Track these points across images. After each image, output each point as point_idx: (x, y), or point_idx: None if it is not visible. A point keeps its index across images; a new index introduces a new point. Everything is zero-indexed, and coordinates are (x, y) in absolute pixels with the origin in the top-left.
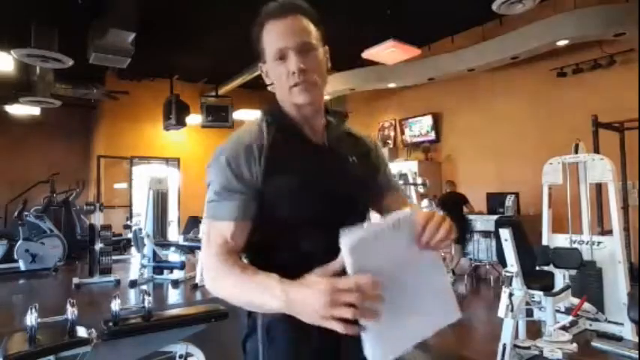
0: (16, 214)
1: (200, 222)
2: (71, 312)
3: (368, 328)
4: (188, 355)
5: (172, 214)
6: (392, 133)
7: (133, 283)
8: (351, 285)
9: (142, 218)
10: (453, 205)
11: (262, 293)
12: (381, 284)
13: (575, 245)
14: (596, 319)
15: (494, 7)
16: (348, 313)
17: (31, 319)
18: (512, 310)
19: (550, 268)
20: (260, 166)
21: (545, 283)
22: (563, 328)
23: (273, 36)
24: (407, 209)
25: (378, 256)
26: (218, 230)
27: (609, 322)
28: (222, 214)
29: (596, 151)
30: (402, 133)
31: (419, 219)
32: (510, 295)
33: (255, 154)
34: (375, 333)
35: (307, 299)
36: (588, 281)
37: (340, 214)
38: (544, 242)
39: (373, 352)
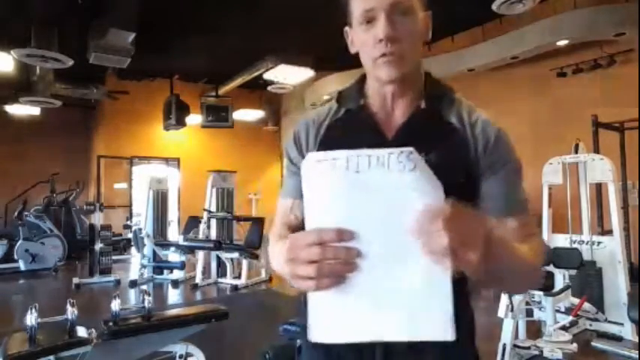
0: (16, 214)
1: (200, 222)
2: (71, 312)
3: (319, 293)
4: (188, 355)
5: (172, 214)
6: None
7: (133, 283)
8: (311, 238)
9: (142, 218)
10: None
11: (279, 259)
12: (357, 238)
13: (575, 245)
14: (596, 319)
15: (494, 7)
16: (307, 271)
17: (31, 319)
18: (512, 310)
19: (550, 268)
20: (314, 147)
21: (545, 283)
22: (563, 328)
23: None
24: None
25: (361, 200)
26: (281, 206)
27: (609, 322)
28: (285, 190)
29: (596, 151)
30: None
31: (436, 200)
32: (510, 295)
33: (312, 132)
34: (326, 300)
35: (282, 258)
36: (588, 281)
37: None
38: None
39: (313, 324)
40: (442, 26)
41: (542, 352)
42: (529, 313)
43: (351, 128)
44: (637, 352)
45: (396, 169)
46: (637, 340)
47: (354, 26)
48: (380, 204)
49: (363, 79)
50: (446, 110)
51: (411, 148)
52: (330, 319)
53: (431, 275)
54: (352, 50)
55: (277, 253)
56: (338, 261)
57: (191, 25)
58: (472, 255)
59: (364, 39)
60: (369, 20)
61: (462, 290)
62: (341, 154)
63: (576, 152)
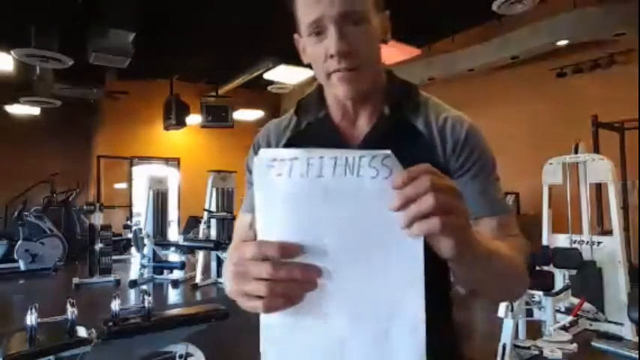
0: (16, 214)
1: (200, 222)
2: (71, 312)
3: (270, 315)
4: (188, 355)
5: (172, 214)
6: None
7: (133, 283)
8: (254, 252)
9: (142, 218)
10: None
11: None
12: (317, 254)
13: (575, 245)
14: (596, 319)
15: (494, 7)
16: (256, 290)
17: (31, 319)
18: (512, 310)
19: (550, 268)
20: None
21: (545, 283)
22: (563, 328)
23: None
24: (483, 227)
25: (322, 212)
26: (240, 222)
27: (609, 322)
28: (245, 205)
29: (596, 151)
30: None
31: (404, 170)
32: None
33: (273, 144)
34: (281, 323)
35: (225, 273)
36: (588, 281)
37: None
38: (544, 242)
39: (264, 350)
40: (442, 26)
41: (542, 352)
42: (529, 313)
43: (314, 141)
44: (637, 352)
45: (368, 175)
46: (637, 340)
47: (304, 37)
48: (346, 218)
49: (322, 87)
50: (411, 114)
51: (387, 151)
52: (285, 345)
53: (403, 294)
54: (305, 60)
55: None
56: (295, 279)
57: (191, 25)
58: (459, 223)
59: (315, 53)
60: (319, 32)
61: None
62: (301, 154)
63: (576, 152)
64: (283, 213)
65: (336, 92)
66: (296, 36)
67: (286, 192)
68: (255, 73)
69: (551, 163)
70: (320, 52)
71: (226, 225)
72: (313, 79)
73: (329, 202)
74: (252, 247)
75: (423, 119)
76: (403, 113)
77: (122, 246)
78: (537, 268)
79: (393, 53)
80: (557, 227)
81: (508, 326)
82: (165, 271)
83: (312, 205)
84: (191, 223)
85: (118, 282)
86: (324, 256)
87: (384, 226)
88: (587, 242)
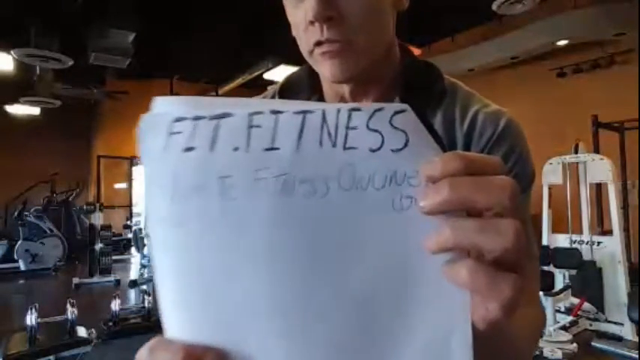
0: (16, 214)
1: None
2: (71, 312)
3: None
4: None
5: None
6: None
7: (133, 283)
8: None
9: (142, 218)
10: None
11: None
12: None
13: (575, 245)
14: (596, 319)
15: (494, 7)
16: None
17: (31, 319)
18: None
19: (550, 268)
20: None
21: (545, 283)
22: (564, 328)
23: None
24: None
25: (268, 219)
26: None
27: (609, 322)
28: None
29: (596, 151)
30: None
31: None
32: None
33: None
34: None
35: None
36: (588, 281)
37: None
38: (544, 242)
39: None
40: (442, 26)
41: (542, 352)
42: None
43: None
44: (637, 352)
45: (365, 146)
46: (637, 340)
47: None
48: (327, 247)
49: (312, 70)
50: (428, 107)
51: (403, 105)
52: None
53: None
54: (293, 33)
55: None
56: None
57: (191, 25)
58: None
59: (295, 19)
60: None
61: None
62: (236, 107)
63: (576, 152)
64: (197, 242)
65: (324, 72)
66: None
67: (205, 188)
68: (255, 73)
69: (551, 163)
70: (300, 17)
71: None
72: None
73: (293, 207)
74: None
75: (443, 114)
76: (418, 106)
77: (122, 246)
78: None
79: None
80: (557, 227)
81: None
82: None
83: (260, 218)
84: None
85: (118, 282)
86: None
87: (400, 254)
88: (587, 242)
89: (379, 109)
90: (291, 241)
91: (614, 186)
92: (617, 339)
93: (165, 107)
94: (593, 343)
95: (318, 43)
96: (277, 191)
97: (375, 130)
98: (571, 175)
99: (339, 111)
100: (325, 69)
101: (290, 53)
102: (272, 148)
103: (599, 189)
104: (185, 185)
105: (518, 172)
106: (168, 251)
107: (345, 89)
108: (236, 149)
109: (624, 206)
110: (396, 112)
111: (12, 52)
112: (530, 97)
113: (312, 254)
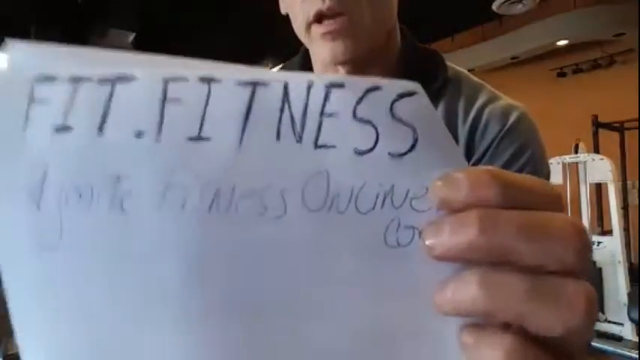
0: None
1: None
2: None
3: None
4: None
5: None
6: None
7: None
8: None
9: None
10: None
11: None
12: None
13: None
14: (597, 319)
15: (494, 7)
16: None
17: None
18: None
19: None
20: None
21: None
22: None
23: None
24: None
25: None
26: None
27: (609, 322)
28: None
29: (596, 151)
30: None
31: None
32: None
33: None
34: None
35: None
36: (588, 281)
37: None
38: None
39: None
40: (442, 26)
41: None
42: None
43: None
44: (637, 352)
45: (346, 145)
46: (637, 340)
47: None
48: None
49: (307, 53)
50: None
51: (411, 84)
52: None
53: None
54: (282, 9)
55: None
56: None
57: (191, 25)
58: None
59: None
60: None
61: None
62: (141, 66)
63: (576, 152)
64: (71, 276)
65: (322, 54)
66: None
67: (87, 191)
68: None
69: (550, 163)
70: None
71: None
72: None
73: (226, 234)
74: None
75: (445, 108)
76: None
77: None
78: None
79: None
80: None
81: None
82: None
83: (171, 249)
84: None
85: None
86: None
87: (390, 313)
88: None
89: (374, 88)
90: (221, 288)
91: (614, 186)
92: (617, 339)
93: (26, 59)
94: (593, 343)
95: (318, 19)
96: (204, 208)
97: (366, 121)
98: (571, 175)
99: (310, 86)
100: (324, 49)
101: (290, 53)
102: (199, 138)
103: (599, 189)
104: (56, 186)
105: (531, 173)
106: (30, 286)
107: (341, 73)
108: (139, 135)
109: (624, 206)
110: (401, 96)
111: None
112: (530, 97)
113: (253, 310)
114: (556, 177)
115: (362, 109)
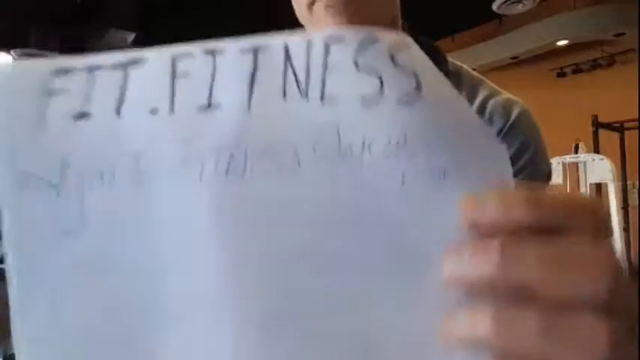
0: None
1: None
2: None
3: None
4: None
5: None
6: None
7: None
8: None
9: None
10: None
11: None
12: None
13: None
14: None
15: (494, 7)
16: None
17: None
18: None
19: None
20: None
21: None
22: None
23: None
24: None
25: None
26: None
27: None
28: None
29: (596, 151)
30: None
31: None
32: None
33: None
34: None
35: None
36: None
37: None
38: None
39: None
40: (442, 26)
41: None
42: None
43: None
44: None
45: (352, 96)
46: None
47: None
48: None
49: None
50: None
51: (401, 37)
52: None
53: None
54: None
55: None
56: None
57: (191, 24)
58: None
59: None
60: None
61: None
62: (143, 50)
63: (576, 152)
64: (100, 258)
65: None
66: None
67: (109, 173)
68: None
69: (550, 163)
70: None
71: None
72: None
73: (246, 195)
74: None
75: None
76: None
77: None
78: None
79: None
80: None
81: None
82: None
83: (194, 216)
84: None
85: None
86: None
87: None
88: None
89: (373, 39)
90: (244, 249)
91: (614, 186)
92: None
93: (40, 60)
94: None
95: None
96: (220, 173)
97: (369, 71)
98: (571, 175)
99: (310, 44)
100: (327, 23)
101: None
102: (209, 107)
103: (599, 189)
104: (78, 173)
105: (532, 170)
106: (52, 274)
107: None
108: (154, 111)
109: (624, 206)
110: (399, 46)
111: (12, 52)
112: (530, 97)
113: (278, 264)
114: (556, 177)
115: (363, 60)
